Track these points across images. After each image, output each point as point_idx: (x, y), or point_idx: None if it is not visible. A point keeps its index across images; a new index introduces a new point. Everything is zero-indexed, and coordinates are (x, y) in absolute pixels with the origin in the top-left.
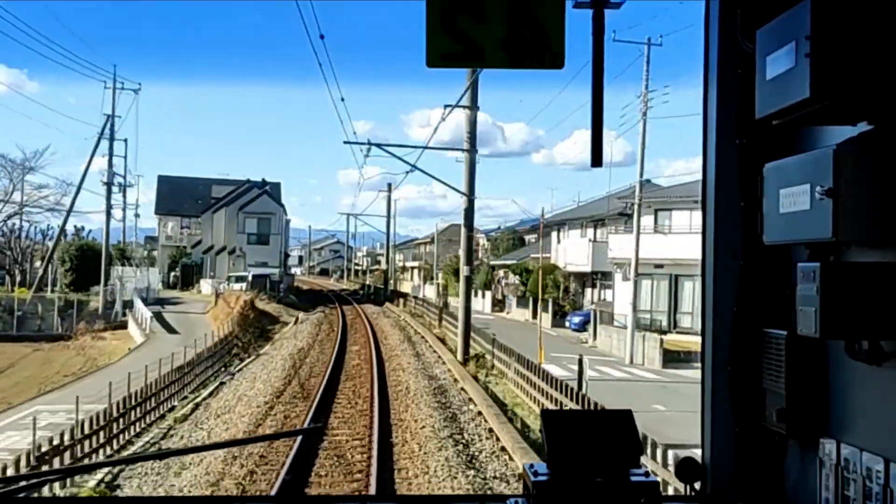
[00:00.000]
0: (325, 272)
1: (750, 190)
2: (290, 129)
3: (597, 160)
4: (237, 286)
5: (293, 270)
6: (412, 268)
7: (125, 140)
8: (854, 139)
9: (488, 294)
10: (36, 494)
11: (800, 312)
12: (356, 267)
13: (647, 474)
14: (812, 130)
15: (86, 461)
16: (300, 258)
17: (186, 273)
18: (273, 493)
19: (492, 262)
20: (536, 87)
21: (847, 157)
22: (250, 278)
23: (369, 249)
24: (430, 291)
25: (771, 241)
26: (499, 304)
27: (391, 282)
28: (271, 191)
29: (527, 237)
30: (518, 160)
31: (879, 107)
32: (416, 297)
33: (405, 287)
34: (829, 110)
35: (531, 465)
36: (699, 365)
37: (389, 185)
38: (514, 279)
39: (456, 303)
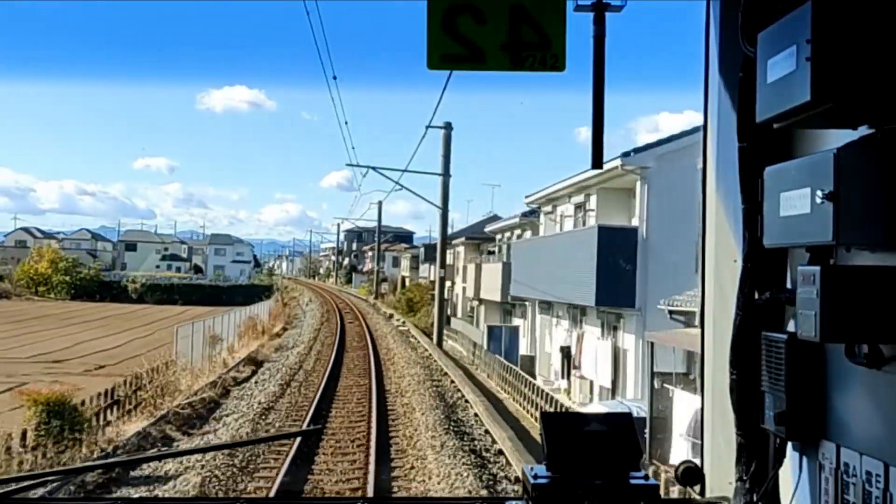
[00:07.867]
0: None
1: (750, 193)
2: None
3: (597, 162)
4: None
5: None
6: None
7: None
8: (855, 143)
9: None
10: (35, 495)
11: (800, 316)
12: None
13: (646, 477)
14: (813, 134)
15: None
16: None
17: None
18: (272, 493)
19: None
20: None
21: (848, 161)
22: None
23: None
24: None
25: (771, 244)
26: None
27: None
28: None
29: None
30: None
31: (880, 110)
32: None
33: None
34: (830, 114)
35: (531, 468)
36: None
37: None
38: None
39: None
